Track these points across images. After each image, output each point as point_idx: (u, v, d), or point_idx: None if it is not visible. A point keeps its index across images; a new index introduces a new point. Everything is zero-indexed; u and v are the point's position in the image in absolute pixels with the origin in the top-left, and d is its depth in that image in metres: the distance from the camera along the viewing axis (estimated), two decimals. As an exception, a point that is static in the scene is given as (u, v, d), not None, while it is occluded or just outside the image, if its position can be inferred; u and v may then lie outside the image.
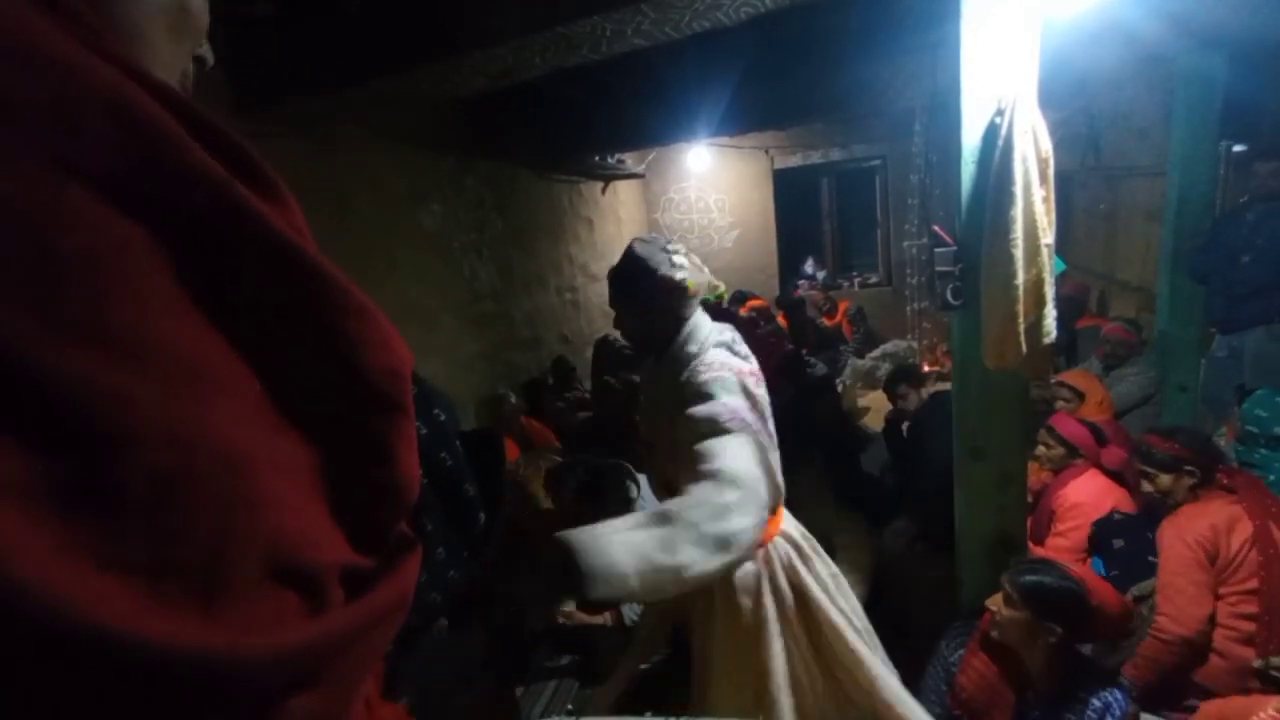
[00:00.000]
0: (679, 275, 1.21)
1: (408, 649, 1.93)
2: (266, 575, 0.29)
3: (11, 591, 0.21)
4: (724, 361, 1.16)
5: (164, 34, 0.35)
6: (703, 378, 1.13)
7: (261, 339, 0.31)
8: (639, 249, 1.25)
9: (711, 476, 0.99)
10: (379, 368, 0.34)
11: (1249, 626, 1.60)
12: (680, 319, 1.24)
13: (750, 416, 1.10)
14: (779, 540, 1.27)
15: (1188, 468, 1.75)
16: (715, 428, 1.06)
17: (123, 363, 0.25)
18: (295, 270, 0.31)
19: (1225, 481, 1.73)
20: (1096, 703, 1.34)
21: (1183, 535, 1.66)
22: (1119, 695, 1.35)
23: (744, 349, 1.23)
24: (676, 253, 1.24)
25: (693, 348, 1.21)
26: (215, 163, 0.29)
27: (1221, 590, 1.63)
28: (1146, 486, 1.87)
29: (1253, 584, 1.60)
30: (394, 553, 0.37)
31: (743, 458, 1.03)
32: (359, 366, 0.34)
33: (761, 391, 1.17)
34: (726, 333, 1.25)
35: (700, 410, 1.09)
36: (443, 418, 1.84)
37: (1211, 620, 1.61)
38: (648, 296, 1.23)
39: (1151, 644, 1.61)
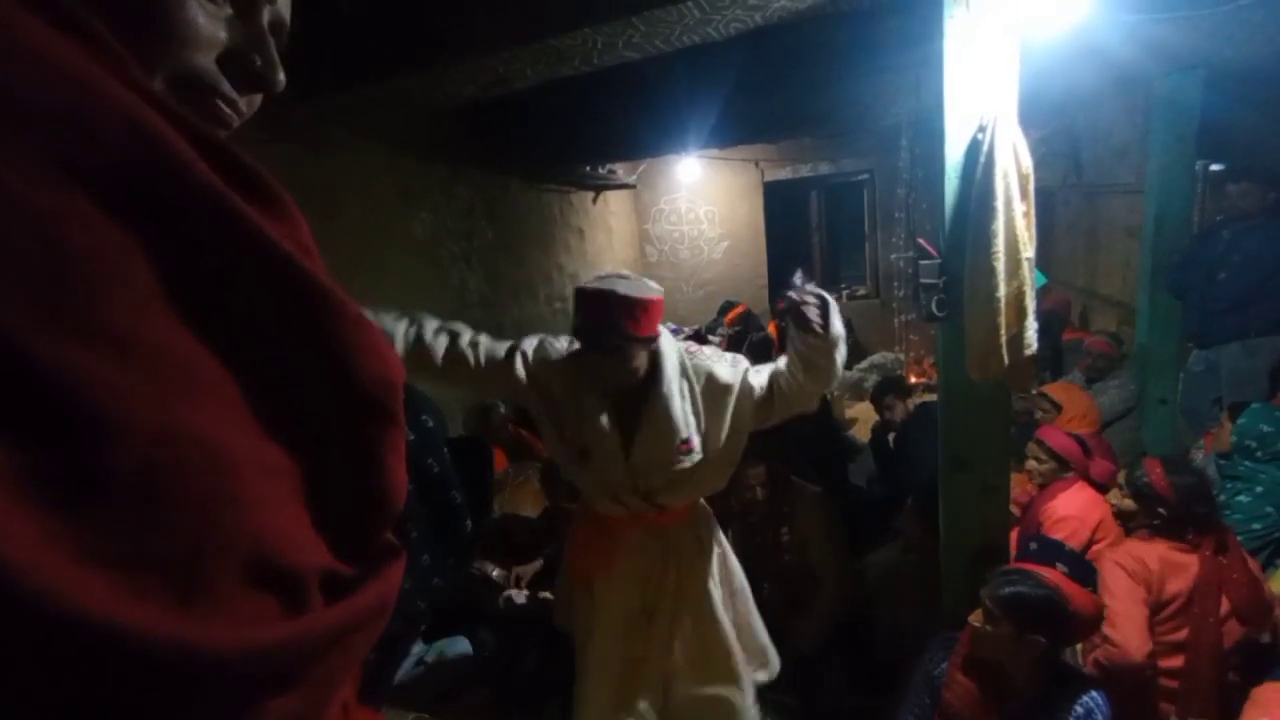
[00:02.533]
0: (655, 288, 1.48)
1: (391, 655, 1.91)
2: (247, 576, 0.29)
3: None
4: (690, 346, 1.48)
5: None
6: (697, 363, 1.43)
7: (254, 344, 0.32)
8: (617, 286, 1.39)
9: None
10: (371, 376, 0.35)
11: (1169, 684, 1.59)
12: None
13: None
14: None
15: (1159, 509, 1.68)
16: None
17: (117, 359, 0.26)
18: (290, 280, 0.32)
19: (1190, 538, 1.66)
20: (1079, 709, 1.34)
21: (1121, 564, 1.64)
22: (1099, 699, 1.36)
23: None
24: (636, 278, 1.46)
25: (673, 353, 1.44)
26: (217, 178, 0.30)
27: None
28: (1111, 500, 1.85)
29: (1180, 636, 1.59)
30: (377, 558, 0.37)
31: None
32: (351, 374, 0.34)
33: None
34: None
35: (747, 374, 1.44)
36: (431, 424, 1.83)
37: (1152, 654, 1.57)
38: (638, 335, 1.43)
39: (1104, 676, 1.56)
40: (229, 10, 0.38)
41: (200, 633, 0.26)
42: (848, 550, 2.19)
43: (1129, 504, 1.76)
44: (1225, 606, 1.60)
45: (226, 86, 0.39)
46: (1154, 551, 1.65)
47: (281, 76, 0.42)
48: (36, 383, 0.24)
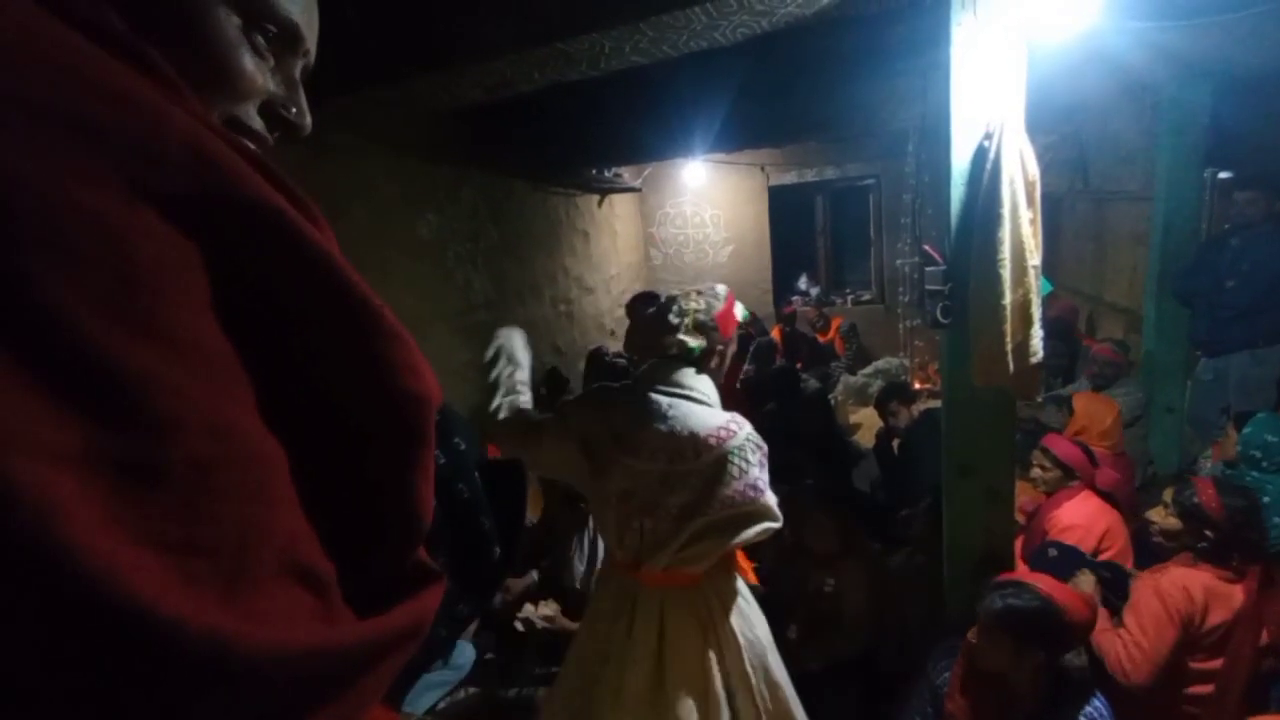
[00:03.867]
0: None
1: (409, 679, 1.89)
2: (282, 569, 0.31)
3: (58, 551, 0.23)
4: None
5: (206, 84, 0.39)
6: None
7: (296, 353, 0.33)
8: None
9: None
10: (405, 391, 0.36)
11: (1193, 710, 1.56)
12: None
13: None
14: None
15: (1206, 530, 1.61)
16: None
17: (175, 358, 0.28)
18: (336, 291, 0.34)
19: (1235, 564, 1.60)
20: (1083, 719, 1.33)
21: (1160, 592, 1.59)
22: (1103, 708, 1.35)
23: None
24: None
25: None
26: (273, 192, 0.33)
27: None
28: (1153, 517, 1.77)
29: (1213, 665, 1.55)
30: (414, 581, 0.38)
31: None
32: (385, 387, 0.35)
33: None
34: None
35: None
36: (463, 447, 1.79)
37: (1164, 677, 1.55)
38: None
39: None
40: (273, 62, 0.42)
41: (238, 627, 0.27)
42: (879, 606, 2.11)
43: (1173, 523, 1.69)
44: (1264, 638, 1.55)
45: (259, 126, 0.43)
46: (1198, 579, 1.59)
47: (309, 121, 0.46)
48: (106, 375, 0.26)
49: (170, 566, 0.26)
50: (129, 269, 0.27)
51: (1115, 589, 1.71)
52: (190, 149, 0.30)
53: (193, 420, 0.28)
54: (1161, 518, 1.76)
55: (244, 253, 0.32)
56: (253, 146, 0.42)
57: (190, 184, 0.30)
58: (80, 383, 0.25)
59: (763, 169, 6.34)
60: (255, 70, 0.41)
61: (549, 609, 2.02)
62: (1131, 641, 1.57)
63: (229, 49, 0.39)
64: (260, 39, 0.41)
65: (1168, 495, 1.78)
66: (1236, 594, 1.57)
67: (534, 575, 2.18)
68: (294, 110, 0.45)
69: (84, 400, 0.25)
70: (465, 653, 2.09)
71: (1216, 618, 1.56)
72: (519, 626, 2.03)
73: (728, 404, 1.33)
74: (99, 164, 0.27)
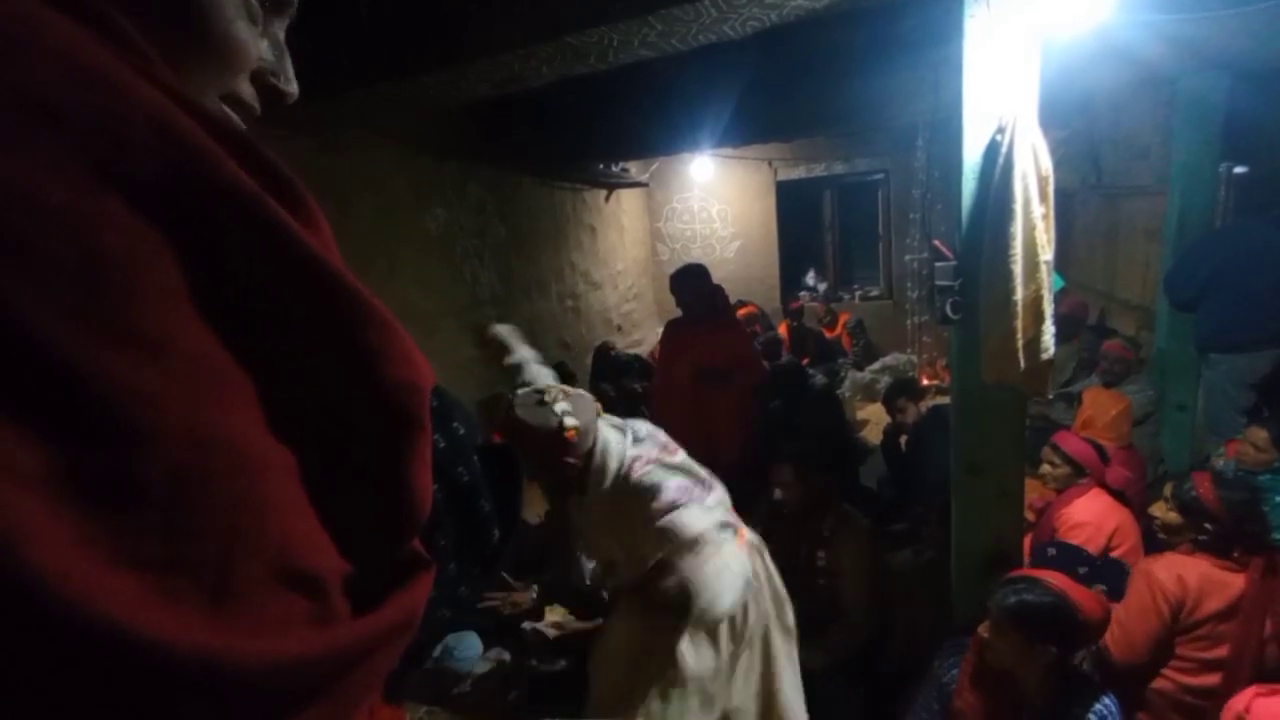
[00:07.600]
0: (568, 423, 1.31)
1: (414, 663, 1.90)
2: (273, 577, 0.29)
3: (28, 578, 0.22)
4: (642, 457, 1.36)
5: (200, 60, 0.36)
6: (637, 480, 1.33)
7: (281, 346, 0.32)
8: (522, 414, 1.32)
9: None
10: (397, 381, 0.35)
11: (1200, 703, 1.56)
12: (585, 454, 1.35)
13: (686, 485, 1.35)
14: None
15: (1206, 524, 1.63)
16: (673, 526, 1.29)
17: (150, 362, 0.26)
18: (318, 281, 0.32)
19: (1236, 555, 1.61)
20: (1093, 717, 1.33)
21: (1150, 578, 1.62)
22: (1112, 706, 1.34)
23: (644, 433, 1.43)
24: (557, 400, 1.32)
25: (614, 466, 1.35)
26: (248, 178, 0.30)
27: (1179, 650, 1.60)
28: (1155, 512, 1.78)
29: (1216, 654, 1.56)
30: (405, 570, 0.37)
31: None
32: (377, 378, 0.34)
33: (680, 457, 1.41)
34: (631, 433, 1.40)
35: (661, 517, 1.30)
36: (462, 431, 1.81)
37: (1150, 664, 1.59)
38: (550, 458, 1.33)
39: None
40: (263, 27, 0.40)
41: (227, 642, 0.26)
42: (880, 591, 2.12)
43: (1174, 517, 1.71)
44: (1269, 629, 1.55)
45: (250, 97, 0.40)
46: (1195, 567, 1.60)
47: (296, 88, 0.43)
48: (73, 387, 0.24)
49: (150, 586, 0.25)
50: (97, 266, 0.25)
51: (1114, 586, 1.72)
52: (157, 128, 0.27)
53: (171, 430, 0.26)
54: (1162, 512, 1.76)
55: (220, 242, 0.29)
56: (237, 119, 0.40)
57: (158, 168, 0.27)
58: (46, 396, 0.23)
59: (770, 164, 6.31)
60: (250, 40, 0.38)
61: (555, 615, 2.01)
62: (1115, 620, 1.60)
63: (229, 22, 0.36)
64: (255, 3, 0.38)
65: (1167, 490, 1.79)
66: (1235, 582, 1.58)
67: (533, 592, 2.16)
68: (281, 78, 0.42)
69: (51, 415, 0.23)
70: (472, 645, 2.11)
71: (1212, 605, 1.56)
72: (526, 628, 2.03)
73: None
74: (55, 148, 0.25)
